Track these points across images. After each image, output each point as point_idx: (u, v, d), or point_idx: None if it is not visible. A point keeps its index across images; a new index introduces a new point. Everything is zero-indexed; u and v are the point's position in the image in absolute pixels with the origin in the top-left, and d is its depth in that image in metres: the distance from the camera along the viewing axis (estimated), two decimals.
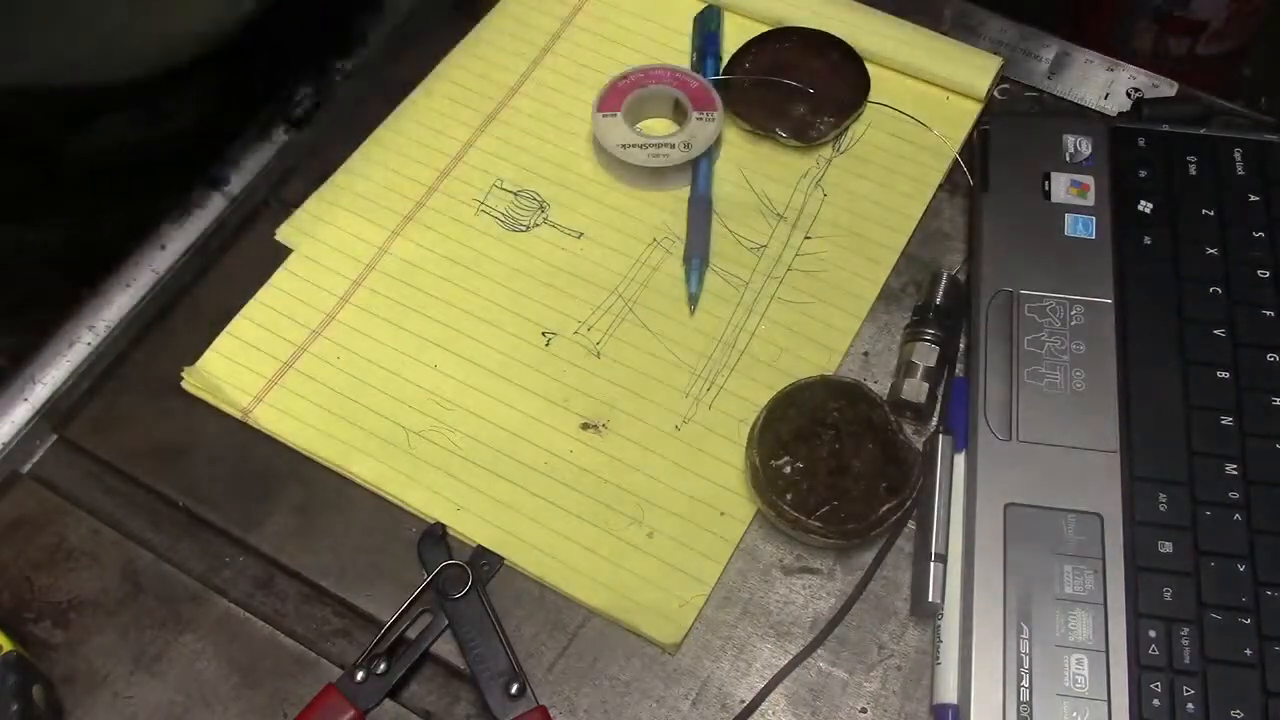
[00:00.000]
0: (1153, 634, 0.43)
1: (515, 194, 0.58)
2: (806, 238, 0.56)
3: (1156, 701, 0.42)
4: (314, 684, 0.46)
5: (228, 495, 0.50)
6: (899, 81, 0.60)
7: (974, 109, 0.59)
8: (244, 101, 0.61)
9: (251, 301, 0.55)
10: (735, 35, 0.61)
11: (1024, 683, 0.43)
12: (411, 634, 0.47)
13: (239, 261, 0.57)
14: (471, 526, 0.49)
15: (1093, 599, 0.44)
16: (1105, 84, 0.60)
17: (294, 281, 0.55)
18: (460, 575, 0.47)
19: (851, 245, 0.55)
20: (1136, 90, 0.59)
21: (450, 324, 0.54)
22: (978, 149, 0.56)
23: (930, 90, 0.60)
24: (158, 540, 0.50)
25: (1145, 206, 0.53)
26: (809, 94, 0.58)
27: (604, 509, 0.49)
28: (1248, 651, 0.43)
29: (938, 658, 0.45)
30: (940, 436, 0.48)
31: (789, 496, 0.47)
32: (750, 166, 0.58)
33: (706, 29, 0.62)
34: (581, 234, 0.56)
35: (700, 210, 0.56)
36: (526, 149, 0.59)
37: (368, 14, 0.63)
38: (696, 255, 0.54)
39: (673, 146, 0.56)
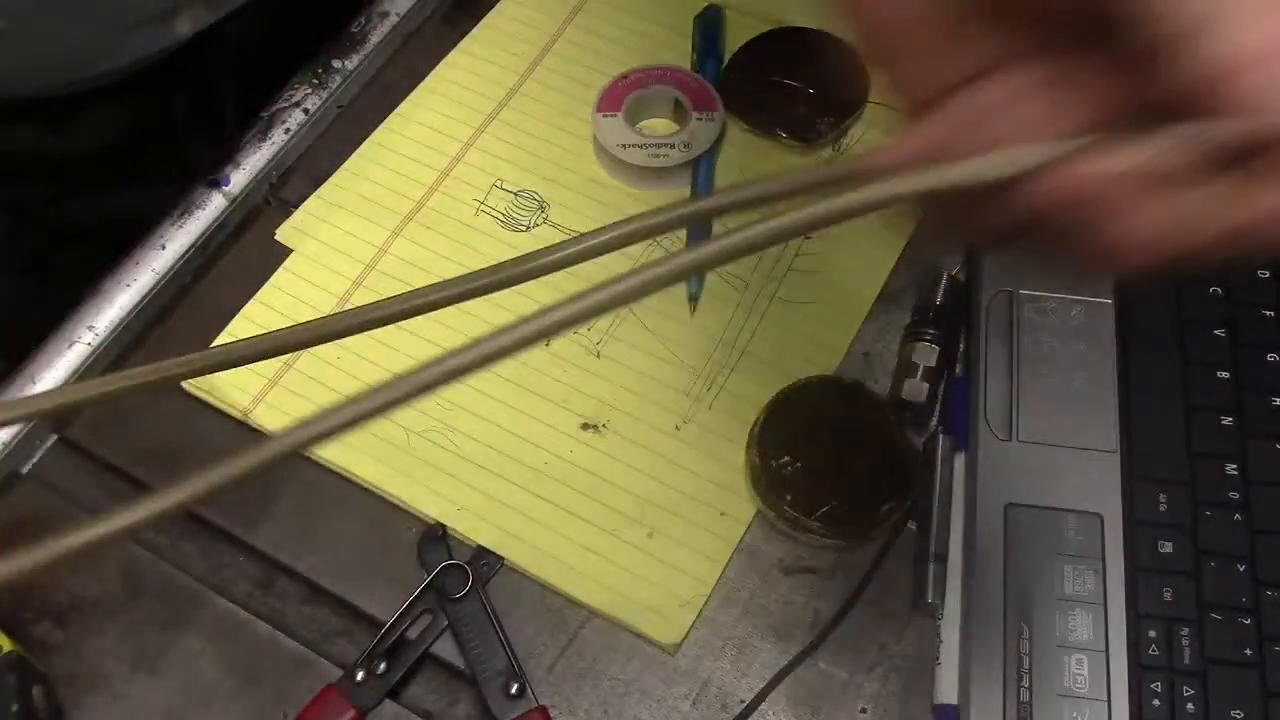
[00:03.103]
0: (1153, 634, 0.43)
1: (515, 194, 0.58)
2: (806, 238, 0.56)
3: (1156, 702, 0.42)
4: (314, 684, 0.46)
5: (228, 495, 0.50)
6: None
7: None
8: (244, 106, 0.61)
9: (251, 301, 0.55)
10: (735, 35, 0.61)
11: (1024, 683, 0.43)
12: (411, 634, 0.47)
13: (239, 261, 0.56)
14: (471, 526, 0.49)
15: (1093, 599, 0.44)
16: None
17: (294, 281, 0.55)
18: (460, 575, 0.47)
19: (851, 245, 0.55)
20: None
21: (450, 324, 0.54)
22: None
23: None
24: (158, 540, 0.50)
25: None
26: (809, 94, 0.58)
27: (604, 509, 0.49)
28: (1248, 651, 0.43)
29: (938, 658, 0.45)
30: (940, 436, 0.48)
31: (789, 496, 0.47)
32: (750, 166, 0.58)
33: (706, 29, 0.61)
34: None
35: None
36: (526, 149, 0.59)
37: (367, 14, 0.63)
38: None
39: (673, 146, 0.56)
